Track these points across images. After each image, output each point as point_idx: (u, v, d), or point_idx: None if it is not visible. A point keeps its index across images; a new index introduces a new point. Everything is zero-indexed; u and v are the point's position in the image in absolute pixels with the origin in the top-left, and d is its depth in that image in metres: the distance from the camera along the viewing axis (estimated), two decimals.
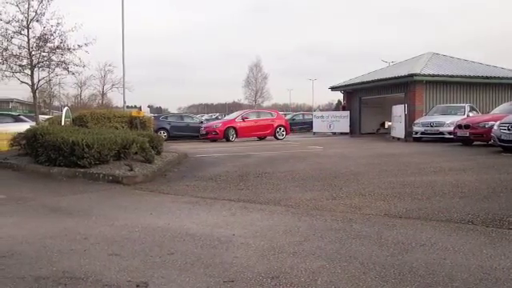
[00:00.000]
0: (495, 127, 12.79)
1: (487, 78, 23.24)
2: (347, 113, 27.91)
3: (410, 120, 20.25)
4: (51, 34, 16.32)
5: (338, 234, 4.52)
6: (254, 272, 3.43)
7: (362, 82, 26.78)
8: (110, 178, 8.09)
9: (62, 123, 13.14)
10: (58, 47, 16.50)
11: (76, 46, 16.64)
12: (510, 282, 3.19)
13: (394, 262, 3.62)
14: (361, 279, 3.27)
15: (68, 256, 3.87)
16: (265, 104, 73.19)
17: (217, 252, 3.96)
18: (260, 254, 3.89)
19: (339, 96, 30.99)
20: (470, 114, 18.22)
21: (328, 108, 63.19)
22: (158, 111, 67.06)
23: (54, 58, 16.73)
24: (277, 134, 23.40)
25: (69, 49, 16.53)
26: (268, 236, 4.46)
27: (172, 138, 23.09)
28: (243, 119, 22.93)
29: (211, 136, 22.03)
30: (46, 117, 22.46)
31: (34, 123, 14.66)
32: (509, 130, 12.10)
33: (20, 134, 10.79)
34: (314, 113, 33.86)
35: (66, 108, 16.46)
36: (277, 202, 6.23)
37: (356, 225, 4.88)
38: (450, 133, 17.09)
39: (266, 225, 4.94)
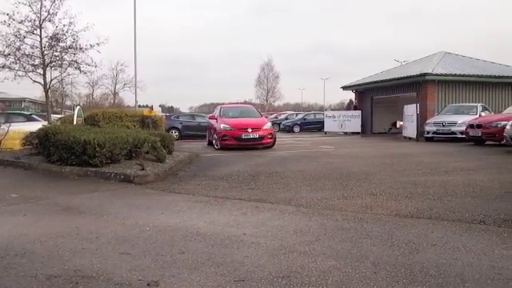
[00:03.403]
0: (508, 127, 12.68)
1: (500, 77, 22.99)
2: (359, 112, 27.80)
3: (421, 119, 20.09)
4: (63, 34, 16.48)
5: (349, 233, 4.51)
6: (264, 271, 3.44)
7: (374, 82, 26.66)
8: (122, 177, 8.14)
9: (74, 122, 13.26)
10: (70, 47, 16.66)
11: (88, 46, 16.79)
12: None
13: (405, 262, 3.60)
14: (372, 279, 3.26)
15: (80, 255, 3.91)
16: (276, 103, 73.18)
17: (227, 251, 3.97)
18: (271, 253, 3.89)
19: (351, 95, 31.00)
20: (483, 114, 18.05)
21: (339, 107, 62.98)
22: (169, 110, 67.29)
23: (66, 57, 16.91)
24: None
25: (81, 48, 16.69)
26: (279, 235, 4.46)
27: (183, 137, 23.16)
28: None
29: (269, 141, 15.48)
30: (58, 116, 22.64)
31: (46, 122, 14.80)
32: None
33: (32, 133, 10.90)
34: (326, 112, 33.76)
35: (78, 107, 16.60)
36: (288, 201, 6.23)
37: (367, 224, 4.86)
38: (462, 132, 16.94)
39: (277, 224, 4.94)
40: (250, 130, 15.10)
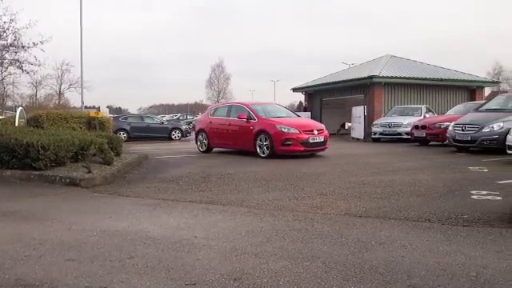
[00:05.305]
0: (450, 128, 13.24)
1: (442, 80, 24.03)
2: (308, 114, 28.15)
3: (369, 121, 20.66)
4: (4, 31, 15.76)
5: (299, 233, 4.54)
6: (216, 274, 3.40)
7: (323, 84, 27.18)
8: (67, 180, 7.86)
9: (16, 124, 12.70)
10: (11, 45, 15.97)
11: (31, 44, 16.15)
12: (465, 277, 3.29)
13: (355, 261, 3.66)
14: (323, 278, 3.29)
15: (22, 262, 3.72)
16: None
17: (178, 255, 3.90)
18: (222, 255, 3.86)
19: (300, 97, 31.47)
20: (427, 115, 18.79)
21: (290, 109, 63.69)
22: (117, 112, 65.84)
23: (6, 56, 16.20)
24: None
25: (23, 46, 16.03)
26: (230, 237, 4.44)
27: (132, 139, 22.70)
28: None
29: (328, 145, 13.25)
30: None
31: None
32: (463, 130, 12.55)
33: None
34: None
35: (20, 108, 15.90)
36: (239, 202, 6.21)
37: (317, 224, 4.92)
38: (407, 133, 17.56)
39: (229, 226, 4.91)
40: (316, 133, 12.63)
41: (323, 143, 12.76)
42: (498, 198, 6.17)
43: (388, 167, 9.80)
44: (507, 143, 10.15)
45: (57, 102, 55.96)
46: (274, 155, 12.07)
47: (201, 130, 14.88)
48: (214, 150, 14.47)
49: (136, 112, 77.60)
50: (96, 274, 3.44)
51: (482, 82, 26.58)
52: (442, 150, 13.82)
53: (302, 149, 12.27)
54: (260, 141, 12.49)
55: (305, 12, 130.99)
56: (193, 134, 27.03)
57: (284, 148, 12.15)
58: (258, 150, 12.51)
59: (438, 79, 23.95)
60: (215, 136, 14.22)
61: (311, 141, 12.39)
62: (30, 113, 17.00)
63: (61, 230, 4.83)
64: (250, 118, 13.06)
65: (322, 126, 13.49)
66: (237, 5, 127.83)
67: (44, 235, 4.58)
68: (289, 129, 12.29)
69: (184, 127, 26.33)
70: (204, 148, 14.55)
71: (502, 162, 10.32)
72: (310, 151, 12.62)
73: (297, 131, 12.30)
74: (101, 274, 3.44)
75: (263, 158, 12.12)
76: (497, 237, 4.37)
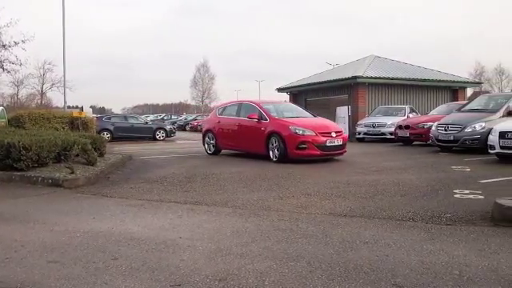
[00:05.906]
0: (433, 128, 13.40)
1: (425, 80, 24.29)
2: None
3: (353, 121, 20.80)
4: None
5: (284, 233, 4.54)
6: (201, 275, 3.38)
7: (308, 84, 27.25)
8: (50, 181, 7.76)
9: None
10: None
11: (12, 43, 15.90)
12: (449, 275, 3.32)
13: (340, 260, 3.68)
14: (308, 278, 3.30)
15: (3, 265, 3.66)
16: (212, 105, 73.16)
17: (163, 256, 3.87)
18: (207, 256, 3.84)
19: (285, 97, 31.48)
20: (410, 115, 18.94)
21: None
22: (101, 112, 65.32)
23: None
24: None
25: (4, 45, 15.79)
26: (215, 238, 4.42)
27: (116, 139, 22.51)
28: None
29: (346, 148, 11.99)
30: None
31: None
32: (445, 130, 12.71)
33: None
34: None
35: (1, 108, 15.67)
36: (224, 203, 6.19)
37: (302, 224, 4.93)
38: (391, 133, 17.72)
39: (213, 226, 4.89)
40: (334, 135, 11.38)
41: (341, 147, 11.57)
42: (480, 196, 6.26)
43: (372, 167, 9.87)
44: (489, 143, 10.30)
45: (39, 101, 55.34)
46: (286, 159, 10.98)
47: (208, 131, 13.90)
48: (212, 151, 13.78)
49: (120, 112, 77.11)
50: (79, 275, 3.40)
51: (465, 82, 26.93)
52: (426, 149, 13.97)
53: (319, 153, 11.09)
54: (272, 144, 11.45)
55: (289, 12, 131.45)
56: (177, 134, 27.08)
57: (298, 152, 11.01)
58: (271, 153, 11.43)
59: (421, 79, 24.20)
60: (223, 137, 13.33)
61: (329, 144, 11.18)
62: (12, 113, 16.78)
63: (43, 231, 4.76)
64: (261, 117, 12.03)
65: (341, 127, 12.59)
66: (222, 5, 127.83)
67: (26, 237, 4.51)
68: (304, 130, 11.14)
69: (168, 127, 26.19)
70: (212, 150, 13.65)
71: (483, 161, 10.47)
72: (327, 155, 11.39)
73: (313, 133, 11.13)
74: (84, 275, 3.40)
75: (275, 162, 11.11)
76: (479, 235, 4.43)
